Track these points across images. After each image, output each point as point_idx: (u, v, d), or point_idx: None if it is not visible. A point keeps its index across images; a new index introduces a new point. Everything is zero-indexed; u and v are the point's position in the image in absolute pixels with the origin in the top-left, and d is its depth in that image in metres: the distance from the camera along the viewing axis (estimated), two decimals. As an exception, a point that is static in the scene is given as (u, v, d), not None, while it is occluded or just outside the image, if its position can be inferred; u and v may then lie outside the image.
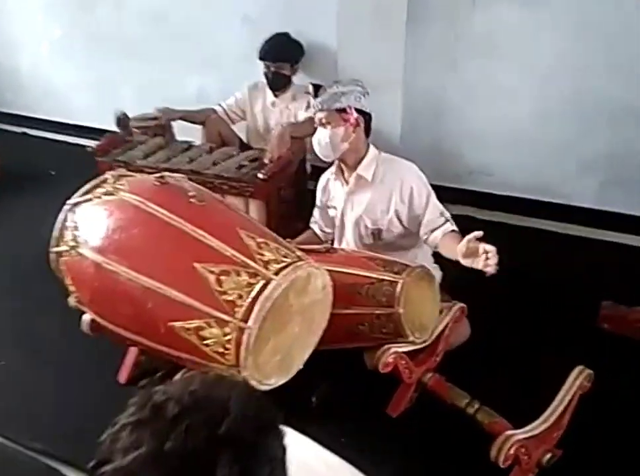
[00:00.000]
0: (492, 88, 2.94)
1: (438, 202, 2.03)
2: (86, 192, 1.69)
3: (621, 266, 2.55)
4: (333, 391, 1.95)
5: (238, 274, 1.42)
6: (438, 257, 2.11)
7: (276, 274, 1.43)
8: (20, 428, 1.88)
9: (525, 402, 1.76)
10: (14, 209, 3.36)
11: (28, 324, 2.40)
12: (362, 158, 2.08)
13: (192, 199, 1.58)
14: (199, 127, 3.15)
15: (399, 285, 1.73)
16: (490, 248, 1.57)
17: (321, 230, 2.34)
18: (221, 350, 1.42)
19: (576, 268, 2.55)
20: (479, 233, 1.63)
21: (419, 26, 2.88)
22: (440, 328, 1.84)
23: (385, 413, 1.88)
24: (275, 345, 1.48)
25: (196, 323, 1.42)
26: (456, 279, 2.06)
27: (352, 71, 2.70)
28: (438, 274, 2.20)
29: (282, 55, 2.96)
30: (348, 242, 2.22)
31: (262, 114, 3.15)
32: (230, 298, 1.40)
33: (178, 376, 1.55)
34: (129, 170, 2.58)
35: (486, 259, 1.57)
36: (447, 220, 1.99)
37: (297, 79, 3.12)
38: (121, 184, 1.66)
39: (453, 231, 1.96)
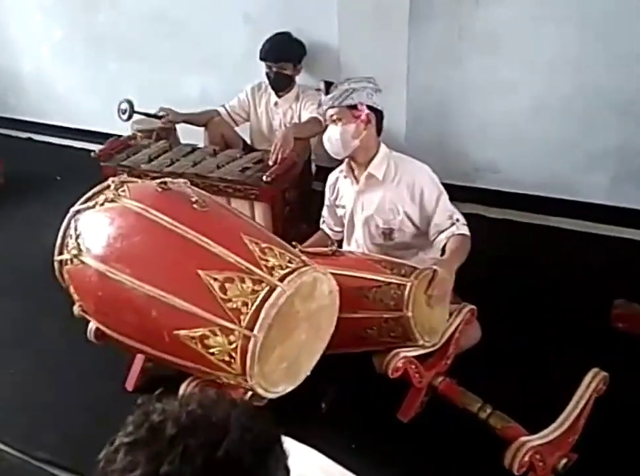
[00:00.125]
0: (497, 84, 2.90)
1: (449, 204, 2.00)
2: (88, 199, 1.67)
3: (633, 263, 2.49)
4: (342, 396, 1.92)
5: (242, 281, 1.40)
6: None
7: (281, 280, 1.41)
8: (26, 436, 1.88)
9: (539, 406, 1.73)
10: (20, 215, 3.35)
11: (34, 331, 2.38)
12: (373, 157, 2.05)
13: (194, 205, 1.55)
14: (202, 129, 3.12)
15: (407, 288, 1.69)
16: None
17: (330, 229, 2.31)
18: (226, 358, 1.40)
19: (587, 265, 2.50)
20: None
21: (422, 23, 2.84)
22: (450, 331, 1.80)
23: (395, 418, 1.85)
24: (281, 352, 1.46)
25: (200, 332, 1.40)
26: (465, 280, 2.02)
27: (354, 69, 2.67)
28: (446, 274, 2.16)
29: (284, 55, 2.93)
30: (358, 242, 2.19)
31: (266, 114, 3.12)
32: (235, 306, 1.38)
33: (183, 387, 1.54)
34: (134, 175, 2.60)
35: None
36: (454, 223, 1.95)
37: (299, 79, 3.09)
38: (123, 191, 1.64)
39: (459, 234, 1.92)
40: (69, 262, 1.60)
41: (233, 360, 1.39)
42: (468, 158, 3.14)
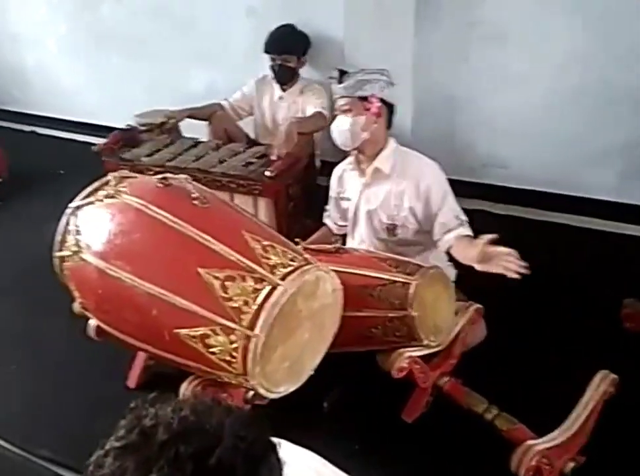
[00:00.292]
0: (505, 79, 2.86)
1: (455, 204, 1.96)
2: (88, 195, 1.64)
3: (643, 261, 2.45)
4: (345, 395, 1.89)
5: (243, 280, 1.37)
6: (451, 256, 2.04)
7: (283, 278, 1.38)
8: (28, 434, 1.86)
9: (546, 407, 1.71)
10: (22, 209, 3.34)
11: (35, 327, 2.37)
12: (381, 150, 2.01)
13: (195, 201, 1.52)
14: (205, 123, 3.09)
15: (412, 287, 1.66)
16: (509, 251, 1.48)
17: (334, 223, 2.28)
18: (227, 358, 1.37)
19: (595, 263, 2.46)
20: (493, 236, 1.55)
21: (429, 16, 2.80)
22: (456, 330, 1.77)
23: (400, 418, 1.82)
24: (284, 352, 1.43)
25: (201, 331, 1.37)
26: (471, 278, 1.98)
27: (359, 62, 2.62)
28: (452, 272, 2.13)
29: (288, 47, 2.90)
30: (362, 236, 2.16)
31: (270, 108, 3.09)
32: (236, 305, 1.35)
33: (184, 386, 1.52)
34: (135, 169, 2.57)
35: (507, 262, 1.50)
36: (461, 223, 1.91)
37: (303, 73, 3.05)
38: (123, 186, 1.61)
39: (467, 235, 1.88)
40: (68, 258, 1.57)
41: (234, 360, 1.36)
42: (475, 153, 3.10)
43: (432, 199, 1.95)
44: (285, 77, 2.96)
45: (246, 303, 1.35)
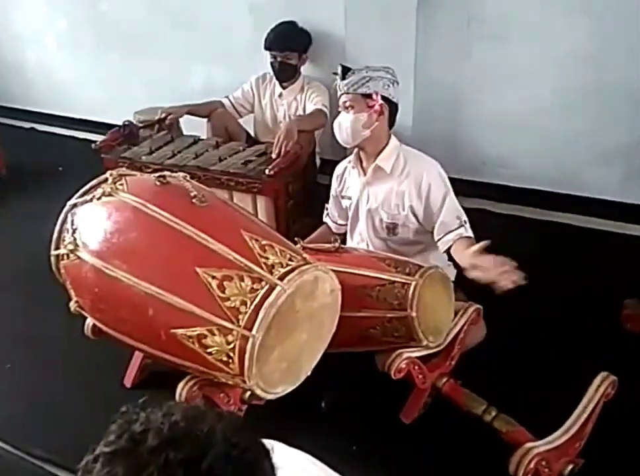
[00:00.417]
0: (507, 76, 2.84)
1: (456, 204, 1.94)
2: (85, 193, 1.63)
3: (644, 262, 2.44)
4: (343, 396, 1.88)
5: (241, 279, 1.36)
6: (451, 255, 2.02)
7: (281, 278, 1.36)
8: (24, 433, 1.85)
9: (545, 408, 1.69)
10: (21, 206, 3.33)
11: (33, 325, 2.36)
12: (383, 149, 2.00)
13: (193, 200, 1.51)
14: (205, 121, 3.07)
15: (412, 288, 1.65)
16: (502, 262, 1.47)
17: (334, 222, 2.27)
18: (224, 358, 1.36)
19: (597, 264, 2.45)
20: (485, 243, 1.54)
21: (431, 12, 2.78)
22: (455, 331, 1.76)
23: (398, 419, 1.81)
24: (281, 353, 1.42)
25: (198, 331, 1.36)
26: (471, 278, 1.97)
27: (361, 59, 2.61)
28: (452, 272, 2.11)
29: (289, 44, 2.88)
30: (361, 235, 2.15)
31: (270, 106, 3.08)
32: (233, 305, 1.34)
33: (180, 386, 1.51)
34: (134, 167, 2.57)
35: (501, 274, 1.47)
36: (462, 224, 1.90)
37: (304, 70, 3.04)
38: (121, 185, 1.59)
39: (467, 237, 1.87)
40: (65, 257, 1.56)
41: (231, 360, 1.35)
42: (476, 152, 3.08)
43: (433, 199, 1.94)
44: (286, 74, 2.94)
45: (243, 303, 1.34)
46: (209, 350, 1.36)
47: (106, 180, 1.63)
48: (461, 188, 2.20)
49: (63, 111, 4.38)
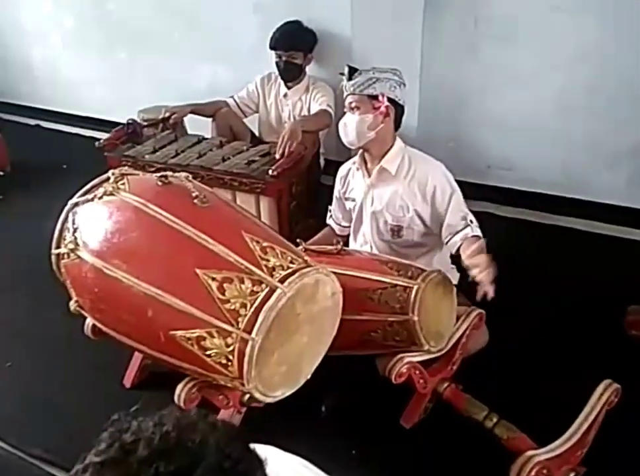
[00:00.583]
0: (513, 78, 2.82)
1: (462, 204, 1.92)
2: (87, 192, 1.62)
3: (650, 268, 2.42)
4: (343, 399, 1.87)
5: (241, 282, 1.34)
6: (454, 259, 2.01)
7: (282, 281, 1.35)
8: (23, 432, 1.85)
9: (547, 415, 1.68)
10: (25, 203, 3.33)
11: (34, 323, 2.36)
12: (388, 151, 1.98)
13: (195, 201, 1.49)
14: (210, 120, 3.07)
15: (414, 291, 1.63)
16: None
17: (338, 224, 2.26)
18: (223, 361, 1.35)
19: (601, 269, 2.43)
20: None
21: (437, 12, 2.76)
22: (457, 336, 1.74)
23: (398, 424, 1.80)
24: (281, 356, 1.40)
25: (197, 333, 1.34)
26: (474, 281, 1.95)
27: (367, 59, 2.60)
28: (455, 275, 2.10)
29: (294, 44, 2.87)
30: (365, 237, 2.14)
31: (275, 106, 3.07)
32: (233, 307, 1.32)
33: (179, 387, 1.50)
34: (138, 165, 2.56)
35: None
36: (468, 224, 1.88)
37: (309, 70, 3.03)
38: (122, 184, 1.58)
39: (474, 236, 1.85)
40: (65, 256, 1.55)
41: (230, 363, 1.34)
42: (481, 154, 3.06)
43: (438, 201, 1.92)
44: (291, 74, 2.93)
45: (243, 305, 1.33)
46: (208, 352, 1.35)
47: (108, 179, 1.62)
48: (465, 190, 2.17)
49: (68, 108, 4.39)
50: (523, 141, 2.93)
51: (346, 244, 2.19)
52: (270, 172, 2.39)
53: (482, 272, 1.54)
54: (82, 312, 1.61)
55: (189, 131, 3.13)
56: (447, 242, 1.92)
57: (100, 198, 1.56)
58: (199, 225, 1.43)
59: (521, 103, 2.85)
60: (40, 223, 1.97)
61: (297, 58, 2.89)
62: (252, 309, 1.32)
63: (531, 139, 2.90)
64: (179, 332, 1.36)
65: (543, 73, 2.74)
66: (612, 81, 2.62)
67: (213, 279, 1.34)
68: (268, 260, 1.40)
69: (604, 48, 2.58)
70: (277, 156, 2.51)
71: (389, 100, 1.91)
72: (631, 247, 2.63)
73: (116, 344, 1.63)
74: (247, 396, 1.52)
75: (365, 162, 2.07)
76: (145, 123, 2.89)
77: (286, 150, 2.50)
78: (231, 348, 1.33)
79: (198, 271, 1.35)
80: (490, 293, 1.54)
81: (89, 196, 1.59)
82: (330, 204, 2.28)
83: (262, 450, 0.65)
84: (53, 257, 1.62)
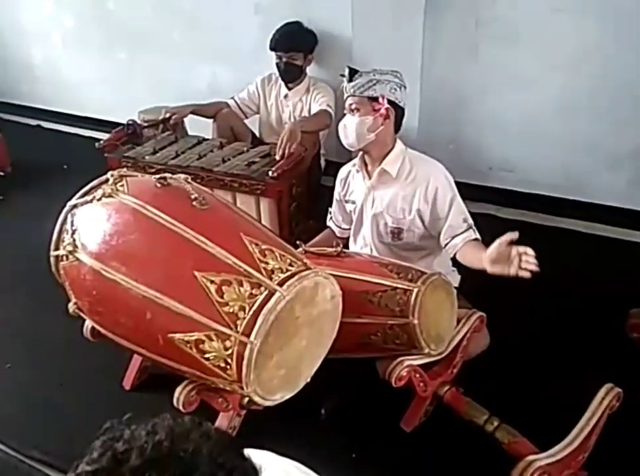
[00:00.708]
0: (515, 79, 2.81)
1: (463, 207, 1.92)
2: (86, 193, 1.61)
3: (651, 270, 2.40)
4: (343, 402, 1.86)
5: (240, 284, 1.34)
6: (455, 261, 2.00)
7: (281, 284, 1.34)
8: (21, 434, 1.84)
9: (548, 419, 1.66)
10: (25, 204, 3.33)
11: (34, 324, 2.35)
12: (388, 153, 1.98)
13: (194, 203, 1.49)
14: (211, 121, 3.06)
15: (414, 294, 1.62)
16: (525, 250, 1.45)
17: (338, 226, 2.25)
18: (222, 364, 1.34)
19: (602, 271, 2.42)
20: (513, 235, 1.49)
21: (438, 14, 2.76)
22: (458, 339, 1.73)
23: (398, 427, 1.79)
24: (280, 359, 1.40)
25: (195, 336, 1.34)
26: (475, 284, 1.95)
27: (367, 60, 2.59)
28: (456, 277, 2.10)
29: (294, 45, 2.86)
30: (365, 239, 2.13)
31: (275, 107, 3.06)
32: (231, 310, 1.32)
33: (178, 390, 1.49)
34: (138, 166, 2.55)
35: (520, 261, 1.45)
36: (469, 227, 1.87)
37: (310, 71, 3.02)
38: (121, 186, 1.57)
39: (475, 239, 1.85)
40: (64, 258, 1.55)
41: (228, 366, 1.34)
42: (482, 155, 3.05)
43: (439, 203, 1.91)
44: (292, 75, 2.93)
45: (242, 308, 1.32)
46: (206, 356, 1.34)
47: (107, 180, 1.62)
48: (466, 192, 2.17)
49: (69, 109, 4.39)
50: (524, 142, 2.92)
51: (346, 246, 2.19)
52: (270, 173, 2.38)
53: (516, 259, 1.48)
54: (81, 314, 1.61)
55: (189, 132, 3.12)
56: (446, 244, 1.91)
57: (99, 199, 1.55)
58: (198, 227, 1.42)
59: (522, 104, 2.84)
60: (40, 223, 1.96)
61: (297, 59, 2.89)
62: (251, 312, 1.31)
63: (532, 141, 2.89)
64: (177, 335, 1.35)
65: (543, 74, 2.73)
66: (613, 82, 2.61)
67: (212, 282, 1.34)
68: (267, 263, 1.39)
69: (605, 49, 2.57)
70: (277, 157, 2.50)
71: (390, 102, 1.90)
72: (633, 249, 2.62)
73: (114, 347, 1.63)
74: (246, 399, 1.51)
75: (366, 165, 2.06)
76: (146, 124, 2.89)
77: (286, 151, 2.49)
78: (229, 351, 1.32)
79: (196, 274, 1.35)
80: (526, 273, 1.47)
81: (88, 198, 1.59)
82: (331, 206, 2.27)
83: (256, 455, 0.65)
84: (51, 259, 1.62)
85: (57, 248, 1.59)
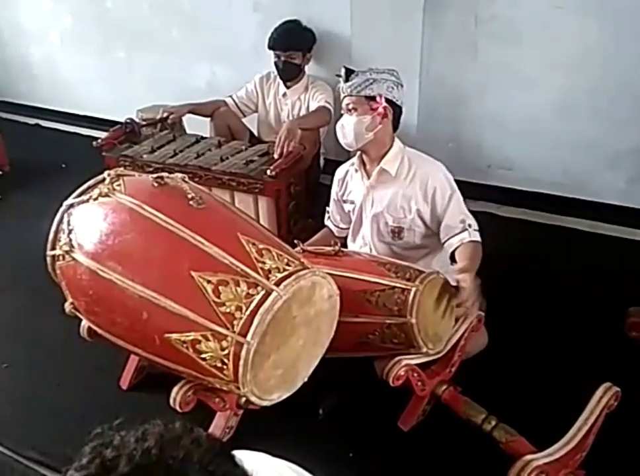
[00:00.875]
0: (514, 77, 2.80)
1: (461, 206, 1.91)
2: (82, 193, 1.60)
3: (650, 268, 2.40)
4: (341, 402, 1.85)
5: (237, 284, 1.34)
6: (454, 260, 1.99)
7: (278, 284, 1.34)
8: (19, 435, 1.84)
9: (546, 418, 1.66)
10: (23, 203, 3.31)
11: (32, 324, 2.34)
12: (387, 152, 1.97)
13: (190, 202, 1.48)
14: (208, 120, 3.05)
15: (412, 294, 1.61)
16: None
17: (336, 225, 2.24)
18: (218, 364, 1.34)
19: (601, 269, 2.41)
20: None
21: (437, 12, 2.75)
22: (456, 338, 1.73)
23: (396, 426, 1.79)
24: (277, 359, 1.39)
25: (192, 336, 1.34)
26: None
27: (366, 58, 2.59)
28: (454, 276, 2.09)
29: (293, 44, 2.85)
30: (365, 239, 2.12)
31: (274, 106, 3.05)
32: (228, 310, 1.32)
33: (175, 390, 1.49)
34: (136, 165, 2.55)
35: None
36: (465, 228, 1.87)
37: (309, 70, 3.01)
38: (118, 185, 1.57)
39: (470, 241, 1.84)
40: (60, 258, 1.54)
41: (225, 367, 1.33)
42: (481, 153, 3.05)
43: (438, 201, 1.91)
44: (290, 73, 2.92)
45: (239, 308, 1.32)
46: (203, 356, 1.34)
47: (104, 180, 1.61)
48: (465, 190, 2.16)
49: (67, 107, 4.38)
50: (523, 140, 2.91)
51: (344, 245, 2.18)
52: (268, 172, 2.38)
53: (463, 303, 1.65)
54: (78, 314, 1.60)
55: (188, 131, 3.12)
56: (444, 243, 1.92)
57: (96, 199, 1.55)
58: (194, 227, 1.42)
59: (522, 102, 2.83)
60: (38, 222, 1.96)
61: (295, 58, 2.88)
62: (248, 312, 1.31)
63: (532, 139, 2.88)
64: (174, 335, 1.35)
65: (544, 72, 2.72)
66: (613, 81, 2.60)
67: (209, 282, 1.33)
68: (264, 263, 1.39)
69: (605, 48, 2.56)
70: (275, 156, 2.49)
71: (387, 101, 1.89)
72: (632, 247, 2.61)
73: (112, 346, 1.62)
74: (244, 399, 1.51)
75: (364, 164, 2.05)
76: (143, 123, 2.88)
77: (284, 150, 2.48)
78: (226, 351, 1.32)
79: (193, 273, 1.34)
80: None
81: (84, 197, 1.58)
82: (329, 205, 2.26)
83: (248, 457, 0.64)
84: (48, 259, 1.61)
85: (53, 248, 1.59)
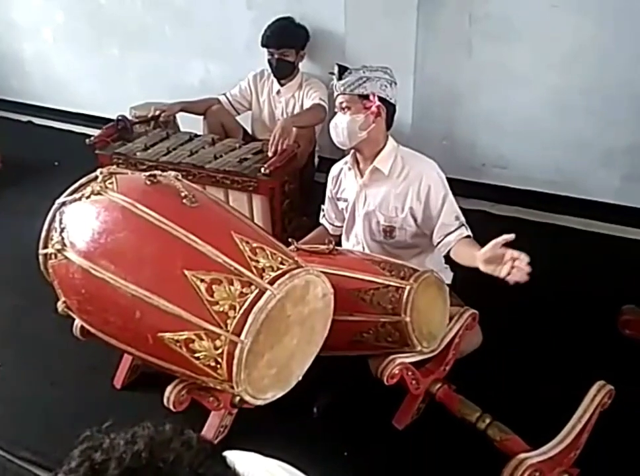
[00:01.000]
0: (509, 74, 2.80)
1: (455, 205, 1.91)
2: (74, 191, 1.59)
3: (643, 266, 2.41)
4: (335, 400, 1.85)
5: (230, 283, 1.33)
6: (448, 259, 1.99)
7: (271, 283, 1.33)
8: (12, 435, 1.82)
9: (540, 416, 1.66)
10: (16, 201, 3.28)
11: (25, 323, 2.33)
12: (380, 151, 1.96)
13: (184, 200, 1.47)
14: (202, 118, 3.04)
15: (406, 292, 1.61)
16: (520, 255, 1.43)
17: (331, 223, 2.24)
18: (212, 363, 1.34)
19: (595, 267, 2.42)
20: (509, 237, 1.47)
21: (431, 9, 2.74)
22: (450, 336, 1.72)
23: (390, 425, 1.79)
24: (271, 358, 1.39)
25: (185, 335, 1.33)
26: (467, 281, 1.94)
27: (360, 56, 2.58)
28: (448, 275, 2.09)
29: (286, 41, 2.84)
30: (357, 237, 2.12)
31: (268, 103, 3.04)
32: (221, 309, 1.31)
33: (169, 389, 1.48)
34: (129, 163, 2.53)
35: (512, 267, 1.43)
36: (462, 224, 1.87)
37: (302, 67, 3.00)
38: (110, 183, 1.56)
39: (467, 236, 1.84)
40: (53, 256, 1.53)
41: (219, 366, 1.33)
42: (475, 152, 3.05)
43: (432, 200, 1.90)
44: (284, 71, 2.90)
45: (232, 307, 1.31)
46: (196, 355, 1.33)
47: (96, 178, 1.60)
48: (459, 188, 2.17)
49: (60, 105, 4.35)
50: (518, 139, 2.92)
51: (339, 243, 2.18)
52: (262, 170, 2.37)
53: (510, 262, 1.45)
54: (70, 313, 1.59)
55: (181, 128, 3.10)
56: (438, 242, 1.91)
57: (88, 197, 1.54)
58: (188, 225, 1.41)
59: (516, 101, 2.83)
60: (31, 220, 1.95)
61: (289, 55, 2.87)
62: (242, 311, 1.30)
63: (526, 137, 2.89)
64: (167, 334, 1.34)
65: (538, 71, 2.73)
66: (607, 80, 2.60)
67: (202, 280, 1.32)
68: (257, 261, 1.38)
69: (600, 47, 2.56)
70: (269, 154, 2.48)
71: (380, 99, 1.88)
72: (626, 245, 2.62)
73: (105, 345, 1.61)
74: (238, 398, 1.50)
75: (358, 163, 2.04)
76: (136, 120, 2.87)
77: (278, 148, 2.47)
78: (219, 350, 1.31)
79: (186, 272, 1.33)
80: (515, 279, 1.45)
81: (77, 196, 1.57)
82: (324, 203, 2.26)
83: (240, 457, 0.64)
84: (40, 257, 1.60)
85: (45, 247, 1.58)
